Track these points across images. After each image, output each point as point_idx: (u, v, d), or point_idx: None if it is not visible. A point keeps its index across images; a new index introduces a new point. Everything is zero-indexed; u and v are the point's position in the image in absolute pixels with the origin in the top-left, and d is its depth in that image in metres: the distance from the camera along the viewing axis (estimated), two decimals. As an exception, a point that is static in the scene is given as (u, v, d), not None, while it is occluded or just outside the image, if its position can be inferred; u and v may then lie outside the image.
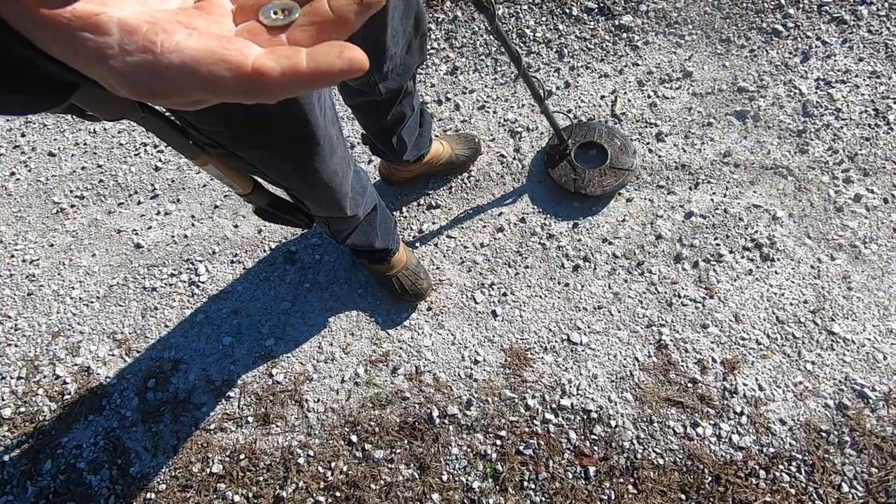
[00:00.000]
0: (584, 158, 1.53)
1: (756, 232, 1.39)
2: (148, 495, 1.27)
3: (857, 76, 1.54)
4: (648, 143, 1.55)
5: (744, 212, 1.42)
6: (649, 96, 1.62)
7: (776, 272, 1.34)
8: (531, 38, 1.74)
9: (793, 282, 1.32)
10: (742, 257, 1.36)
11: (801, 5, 1.65)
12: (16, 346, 1.49)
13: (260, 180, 0.78)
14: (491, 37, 1.76)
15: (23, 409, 1.40)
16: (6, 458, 1.34)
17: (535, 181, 1.54)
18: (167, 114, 0.60)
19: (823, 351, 1.23)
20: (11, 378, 1.44)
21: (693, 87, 1.61)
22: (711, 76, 1.61)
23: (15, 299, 1.56)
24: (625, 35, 1.70)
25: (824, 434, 1.15)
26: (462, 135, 1.56)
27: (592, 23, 1.74)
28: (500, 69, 1.72)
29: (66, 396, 1.40)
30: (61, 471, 1.31)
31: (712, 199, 1.45)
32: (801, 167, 1.45)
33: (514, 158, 1.58)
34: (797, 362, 1.23)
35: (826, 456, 1.13)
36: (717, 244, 1.39)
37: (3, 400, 1.41)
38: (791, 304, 1.29)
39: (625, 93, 1.63)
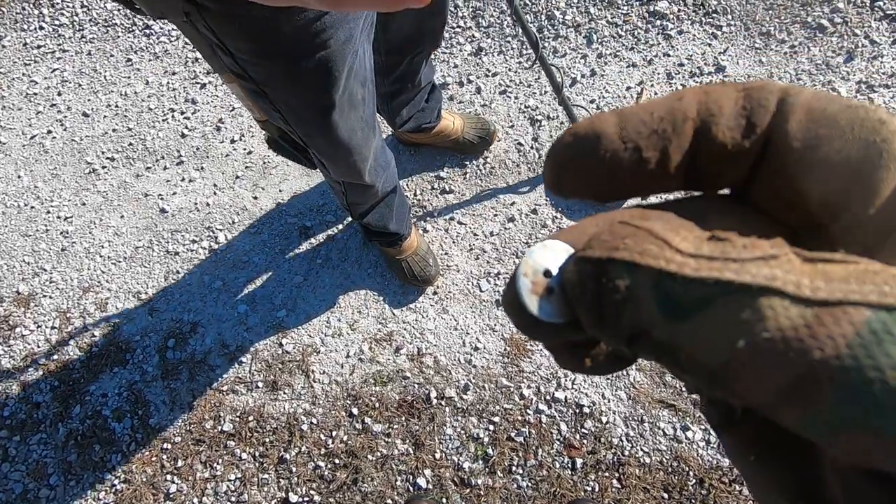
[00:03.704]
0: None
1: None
2: (165, 445, 1.37)
3: (903, 81, 1.45)
4: (671, 140, 1.51)
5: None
6: (677, 90, 1.57)
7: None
8: (560, 20, 1.69)
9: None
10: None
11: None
12: (50, 297, 1.59)
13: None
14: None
15: (55, 357, 1.51)
16: (41, 399, 1.47)
17: (550, 172, 1.53)
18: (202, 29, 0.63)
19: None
20: (46, 328, 1.56)
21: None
22: (746, 72, 1.54)
23: (50, 253, 1.66)
24: (659, 22, 1.63)
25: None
26: (478, 118, 1.55)
27: (626, 7, 1.67)
28: (525, 52, 1.68)
29: (94, 349, 1.51)
30: (88, 416, 1.43)
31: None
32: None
33: (532, 147, 1.57)
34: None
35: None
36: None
37: (39, 347, 1.53)
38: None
39: (652, 85, 1.59)
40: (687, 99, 0.15)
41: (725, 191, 0.16)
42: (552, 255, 0.15)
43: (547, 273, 0.14)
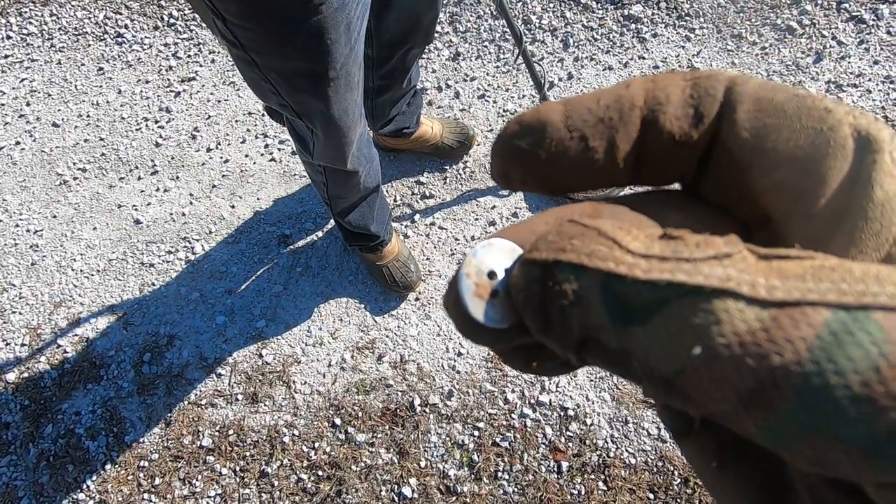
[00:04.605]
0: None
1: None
2: (141, 463, 1.33)
3: (870, 80, 1.49)
4: (648, 141, 1.53)
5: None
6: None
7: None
8: (537, 25, 1.70)
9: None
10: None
11: (818, 1, 1.58)
12: (20, 314, 1.54)
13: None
14: (496, 20, 1.72)
15: (26, 375, 1.46)
16: (10, 419, 1.41)
17: (530, 175, 1.53)
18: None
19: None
20: (16, 345, 1.50)
21: (699, 84, 1.57)
22: (719, 73, 1.57)
23: (19, 268, 1.61)
24: (633, 26, 1.65)
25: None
26: (457, 123, 1.55)
27: (601, 11, 1.69)
28: (503, 57, 1.68)
29: (67, 365, 1.46)
30: (61, 435, 1.38)
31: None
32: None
33: (512, 151, 1.57)
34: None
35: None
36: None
37: (8, 365, 1.48)
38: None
39: (629, 87, 1.60)
40: (634, 87, 0.15)
41: (676, 186, 0.16)
42: (498, 255, 0.14)
43: (491, 274, 0.13)
